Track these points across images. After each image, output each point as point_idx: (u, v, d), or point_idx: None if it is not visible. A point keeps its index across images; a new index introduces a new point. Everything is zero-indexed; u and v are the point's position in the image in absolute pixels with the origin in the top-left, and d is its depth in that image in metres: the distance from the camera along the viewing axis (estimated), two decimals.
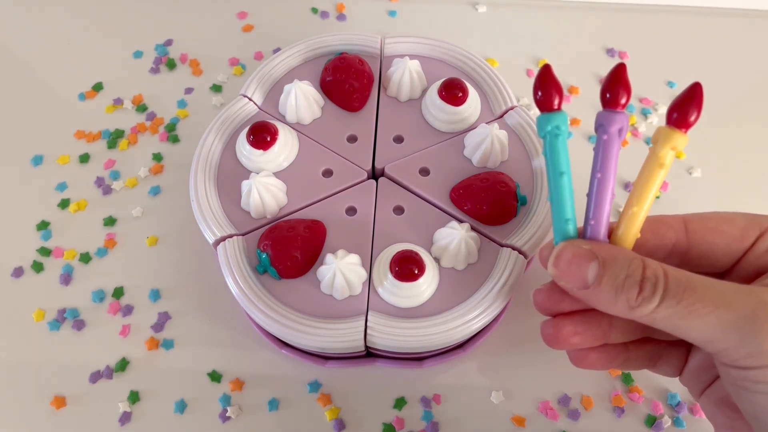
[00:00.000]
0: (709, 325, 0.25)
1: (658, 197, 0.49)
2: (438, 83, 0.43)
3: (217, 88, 0.54)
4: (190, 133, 0.52)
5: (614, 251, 0.28)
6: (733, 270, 0.31)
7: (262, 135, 0.40)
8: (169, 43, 0.57)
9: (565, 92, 0.54)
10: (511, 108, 0.44)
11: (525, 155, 0.42)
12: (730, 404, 0.30)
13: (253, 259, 0.38)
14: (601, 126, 0.29)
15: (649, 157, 0.30)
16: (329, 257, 0.37)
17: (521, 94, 0.53)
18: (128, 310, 0.44)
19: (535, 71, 0.55)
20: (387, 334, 0.36)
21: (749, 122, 0.53)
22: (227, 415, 0.41)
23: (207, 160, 0.41)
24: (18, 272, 0.46)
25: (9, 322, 0.44)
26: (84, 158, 0.50)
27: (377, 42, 0.46)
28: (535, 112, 0.53)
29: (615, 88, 0.29)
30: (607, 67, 0.55)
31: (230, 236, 0.39)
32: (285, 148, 0.41)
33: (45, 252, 0.46)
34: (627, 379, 0.42)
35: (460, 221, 0.39)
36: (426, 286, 0.36)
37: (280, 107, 0.44)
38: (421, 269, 0.36)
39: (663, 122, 0.53)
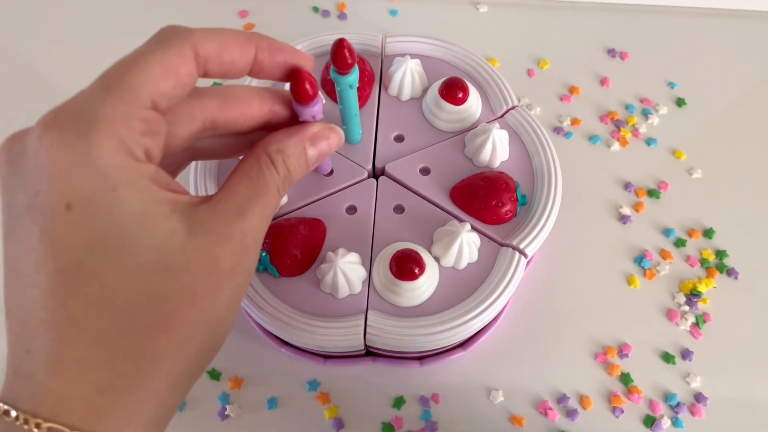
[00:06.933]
0: None
1: (657, 197, 0.49)
2: (439, 82, 0.43)
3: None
4: None
5: None
6: None
7: None
8: None
9: (566, 92, 0.54)
10: (512, 108, 0.44)
11: (525, 155, 0.42)
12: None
13: None
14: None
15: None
16: (329, 256, 0.37)
17: (522, 93, 0.53)
18: None
19: (536, 71, 0.55)
20: (387, 333, 0.36)
21: (749, 123, 0.53)
22: (226, 413, 0.41)
23: None
24: None
25: None
26: None
27: (378, 41, 0.46)
28: (536, 112, 0.53)
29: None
30: (607, 67, 0.55)
31: None
32: None
33: None
34: (626, 380, 0.42)
35: (461, 220, 0.39)
36: (426, 285, 0.36)
37: None
38: (421, 268, 0.36)
39: (663, 122, 0.53)
